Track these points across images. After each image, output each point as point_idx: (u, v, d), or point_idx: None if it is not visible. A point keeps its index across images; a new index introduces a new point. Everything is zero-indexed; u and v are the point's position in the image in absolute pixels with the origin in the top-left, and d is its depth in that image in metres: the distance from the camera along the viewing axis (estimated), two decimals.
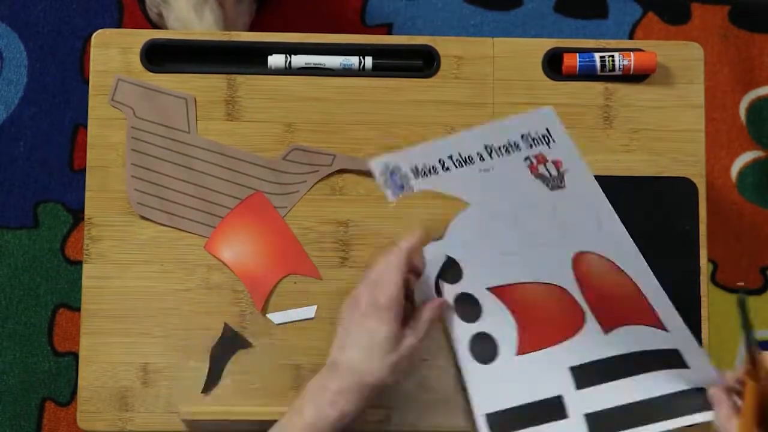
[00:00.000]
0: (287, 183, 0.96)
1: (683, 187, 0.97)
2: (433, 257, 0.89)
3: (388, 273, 0.84)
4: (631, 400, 0.86)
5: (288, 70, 0.97)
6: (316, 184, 0.97)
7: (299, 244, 0.96)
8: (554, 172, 0.85)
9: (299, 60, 0.97)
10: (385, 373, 0.82)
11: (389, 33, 1.51)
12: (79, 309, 1.03)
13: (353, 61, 0.98)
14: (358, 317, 0.83)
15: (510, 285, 0.89)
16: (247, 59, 0.98)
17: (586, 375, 0.87)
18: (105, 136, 0.96)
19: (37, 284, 1.44)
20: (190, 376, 0.94)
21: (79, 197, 1.44)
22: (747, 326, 0.75)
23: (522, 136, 0.84)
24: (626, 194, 0.97)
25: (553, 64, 0.99)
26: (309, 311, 0.95)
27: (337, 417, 0.81)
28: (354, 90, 0.98)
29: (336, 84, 0.98)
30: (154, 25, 1.32)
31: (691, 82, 0.99)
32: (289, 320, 0.95)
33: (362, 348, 0.83)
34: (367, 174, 0.96)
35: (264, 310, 0.95)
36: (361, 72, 0.98)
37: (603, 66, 0.97)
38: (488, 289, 0.89)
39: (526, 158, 0.85)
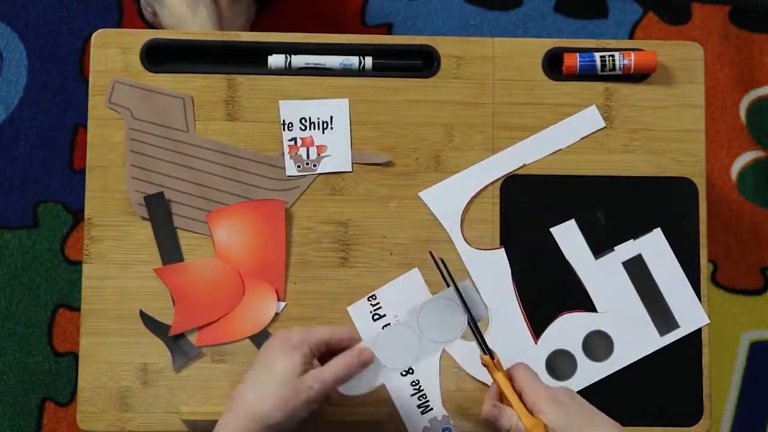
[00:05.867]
0: (287, 179, 0.96)
1: (683, 187, 0.97)
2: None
3: (315, 328, 0.83)
4: None
5: (288, 70, 0.97)
6: (315, 180, 0.96)
7: (284, 264, 0.95)
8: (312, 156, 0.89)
9: (299, 60, 0.97)
10: (274, 408, 0.78)
11: (389, 33, 1.51)
12: (79, 309, 1.03)
13: (353, 61, 0.98)
14: (265, 352, 0.81)
15: None
16: (247, 59, 0.98)
17: None
18: (105, 136, 0.96)
19: (37, 284, 1.44)
20: (190, 376, 0.94)
21: (79, 197, 1.43)
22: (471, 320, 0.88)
23: None
24: (626, 194, 0.97)
25: (553, 64, 0.99)
26: None
27: None
28: (354, 90, 0.98)
29: (336, 84, 0.98)
30: (149, 25, 1.32)
31: (691, 82, 0.99)
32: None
33: (257, 383, 0.79)
34: (367, 171, 0.96)
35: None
36: (361, 72, 0.98)
37: (603, 65, 0.97)
38: None
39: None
